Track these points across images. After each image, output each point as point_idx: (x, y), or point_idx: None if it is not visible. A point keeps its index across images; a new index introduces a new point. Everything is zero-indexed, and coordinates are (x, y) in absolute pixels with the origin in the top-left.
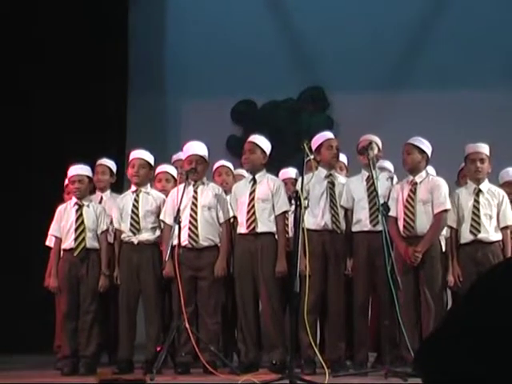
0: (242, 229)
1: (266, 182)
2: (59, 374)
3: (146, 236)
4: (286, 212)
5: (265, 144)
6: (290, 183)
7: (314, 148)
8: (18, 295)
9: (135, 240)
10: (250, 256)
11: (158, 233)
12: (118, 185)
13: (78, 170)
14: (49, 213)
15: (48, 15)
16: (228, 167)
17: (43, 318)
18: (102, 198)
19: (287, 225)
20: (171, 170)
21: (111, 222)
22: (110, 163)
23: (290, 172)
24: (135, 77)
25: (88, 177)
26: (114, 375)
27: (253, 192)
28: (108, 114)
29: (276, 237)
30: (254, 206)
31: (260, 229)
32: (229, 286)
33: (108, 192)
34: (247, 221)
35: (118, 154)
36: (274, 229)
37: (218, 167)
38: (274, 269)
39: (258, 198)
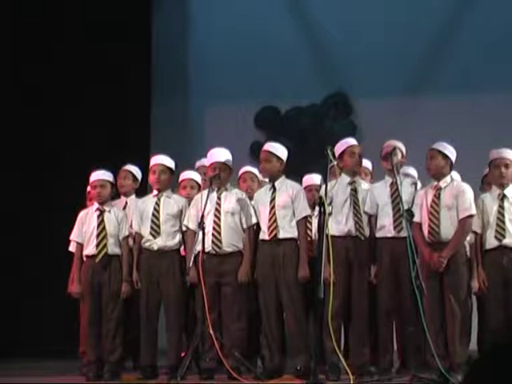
0: (263, 235)
1: (286, 189)
2: (84, 379)
3: (166, 241)
4: (306, 217)
5: (280, 151)
6: (313, 189)
7: (336, 154)
8: (43, 301)
9: (155, 246)
10: (272, 262)
11: (178, 238)
12: (142, 190)
13: (100, 175)
14: (72, 218)
15: (71, 20)
16: (253, 173)
17: (68, 324)
18: (126, 203)
19: (310, 230)
20: (196, 176)
21: (131, 226)
22: (134, 169)
23: (314, 178)
24: (159, 82)
25: (110, 182)
26: (139, 381)
27: (273, 199)
28: (132, 119)
29: (298, 242)
30: (274, 213)
31: (281, 235)
32: (253, 292)
33: (133, 197)
34: (268, 228)
35: (142, 160)
36: (295, 234)
37: (243, 173)
38: (296, 274)
39: (279, 205)
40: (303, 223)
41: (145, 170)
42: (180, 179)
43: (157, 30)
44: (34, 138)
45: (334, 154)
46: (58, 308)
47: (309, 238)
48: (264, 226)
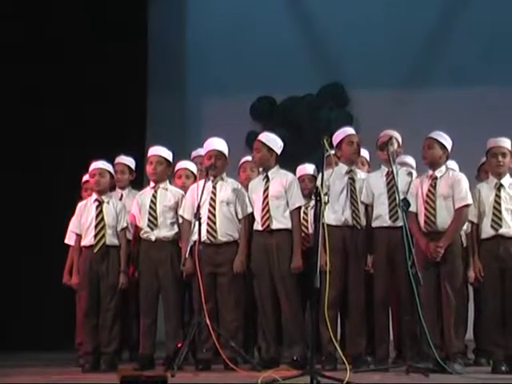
0: (257, 226)
1: (279, 179)
2: (81, 370)
3: (163, 232)
4: (300, 207)
5: (272, 141)
6: (307, 179)
7: (334, 144)
8: (40, 292)
9: (153, 237)
10: (265, 253)
11: (176, 229)
12: (138, 181)
13: (99, 164)
14: (67, 211)
15: (67, 15)
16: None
17: (64, 315)
18: (122, 195)
19: (306, 220)
20: (191, 166)
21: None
22: (129, 160)
23: (308, 168)
24: (155, 74)
25: (109, 172)
26: (136, 371)
27: (266, 189)
28: (128, 110)
29: (292, 232)
30: (268, 203)
31: (275, 226)
32: (249, 282)
33: (128, 189)
34: (262, 218)
35: (139, 150)
36: (289, 225)
37: (243, 163)
38: (290, 265)
39: (272, 196)
40: (297, 213)
41: (141, 160)
42: (175, 169)
43: (154, 22)
44: (32, 134)
45: (330, 144)
46: (54, 299)
47: (305, 230)
48: (257, 217)
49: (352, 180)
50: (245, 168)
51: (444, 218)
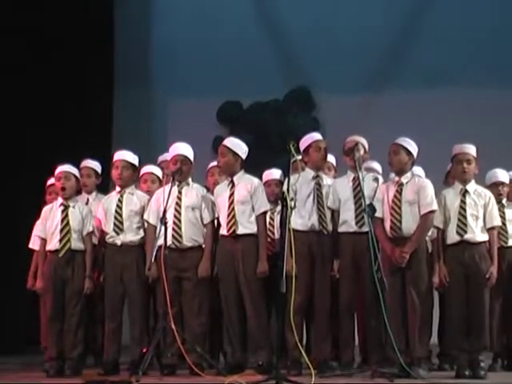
0: (223, 231)
1: (244, 184)
2: (45, 375)
3: (129, 237)
4: (265, 212)
5: (237, 147)
6: (274, 184)
7: (302, 149)
8: (3, 297)
9: (119, 241)
10: (231, 258)
11: (141, 233)
12: (104, 185)
13: (65, 168)
14: (31, 215)
15: (31, 6)
16: None
17: (29, 320)
18: (88, 200)
19: (273, 225)
20: (156, 170)
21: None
22: (95, 164)
23: (274, 173)
24: (121, 78)
25: (75, 176)
26: (100, 376)
27: (231, 195)
28: (94, 113)
29: (257, 238)
30: (233, 208)
31: (240, 231)
32: (215, 288)
33: (94, 193)
34: (227, 223)
35: (104, 154)
36: (254, 230)
37: (211, 167)
38: (255, 270)
39: (237, 201)
40: (262, 218)
41: (106, 164)
42: (141, 173)
43: (120, 23)
44: None
45: (296, 149)
46: (18, 304)
47: (271, 235)
48: (223, 222)
49: (319, 185)
50: (212, 173)
51: (409, 224)
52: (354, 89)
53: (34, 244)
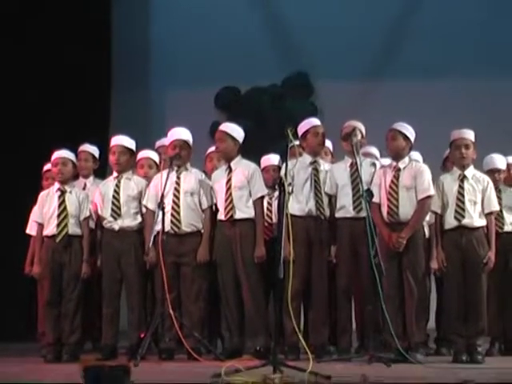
0: (220, 216)
1: (241, 169)
2: (43, 361)
3: (127, 222)
4: (262, 197)
5: (235, 132)
6: (271, 170)
7: (300, 134)
8: (0, 283)
9: (116, 226)
10: (228, 243)
11: (139, 219)
12: (101, 170)
13: (62, 153)
14: (28, 200)
15: (31, 7)
16: None
17: (26, 306)
18: (85, 185)
19: (270, 210)
20: (154, 155)
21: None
22: (93, 149)
23: (272, 159)
24: (120, 63)
25: (72, 162)
26: (98, 361)
27: (229, 180)
28: (92, 99)
29: (255, 222)
30: (231, 193)
31: (238, 215)
32: (213, 273)
33: (91, 178)
34: (225, 208)
35: (102, 139)
36: (252, 215)
37: (209, 153)
38: (253, 254)
39: (235, 186)
40: (259, 203)
41: (104, 150)
42: (138, 158)
43: (118, 12)
44: None
45: (294, 135)
46: (16, 290)
47: (269, 220)
48: (221, 207)
49: (316, 171)
50: (211, 158)
51: (407, 209)
52: (352, 74)
53: (31, 229)
